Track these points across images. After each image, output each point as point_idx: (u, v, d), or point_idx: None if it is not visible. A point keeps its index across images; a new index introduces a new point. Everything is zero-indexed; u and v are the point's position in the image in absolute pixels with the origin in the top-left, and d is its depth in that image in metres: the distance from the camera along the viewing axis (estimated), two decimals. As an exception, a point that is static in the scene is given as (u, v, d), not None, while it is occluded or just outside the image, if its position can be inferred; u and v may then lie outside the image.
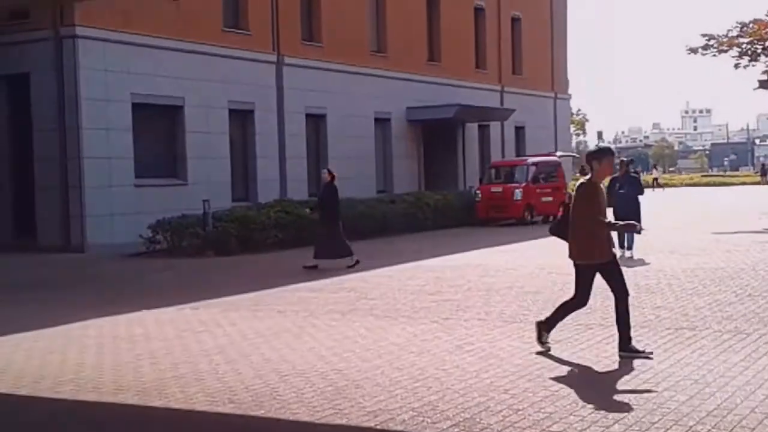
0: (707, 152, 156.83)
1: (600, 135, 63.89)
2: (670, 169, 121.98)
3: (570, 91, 43.97)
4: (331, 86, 27.68)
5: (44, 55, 20.68)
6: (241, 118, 24.92)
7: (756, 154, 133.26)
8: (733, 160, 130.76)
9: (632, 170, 18.76)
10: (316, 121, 27.53)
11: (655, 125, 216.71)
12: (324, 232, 16.34)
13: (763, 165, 72.50)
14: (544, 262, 16.03)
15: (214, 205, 21.15)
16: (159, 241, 19.67)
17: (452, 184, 32.67)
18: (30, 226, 20.91)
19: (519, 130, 38.67)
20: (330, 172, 16.75)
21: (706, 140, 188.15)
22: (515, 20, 38.89)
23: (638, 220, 16.91)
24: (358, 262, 16.13)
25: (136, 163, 21.53)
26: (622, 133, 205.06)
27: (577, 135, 65.61)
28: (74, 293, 14.18)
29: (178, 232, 19.64)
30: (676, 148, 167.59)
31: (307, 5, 27.46)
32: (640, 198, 16.99)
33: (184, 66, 22.87)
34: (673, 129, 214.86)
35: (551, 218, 28.05)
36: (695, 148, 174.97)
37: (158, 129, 22.70)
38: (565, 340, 8.64)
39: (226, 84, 24.08)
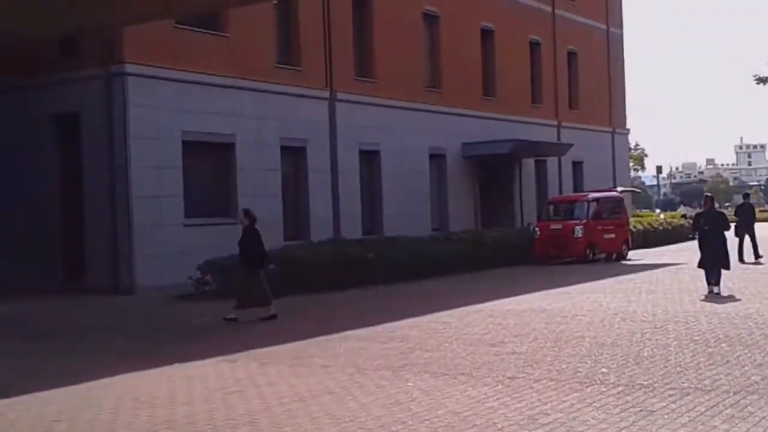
0: (762, 187, 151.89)
1: (659, 170, 61.01)
2: (726, 204, 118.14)
3: (627, 126, 41.98)
4: (384, 122, 26.37)
5: (94, 94, 19.72)
6: (294, 155, 23.68)
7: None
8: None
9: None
10: (369, 158, 26.19)
11: (709, 161, 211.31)
12: (245, 279, 14.33)
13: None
14: (615, 306, 14.31)
15: (265, 243, 19.92)
16: (208, 283, 18.36)
17: (509, 222, 31.04)
18: (79, 266, 19.83)
19: (576, 166, 36.84)
20: (248, 213, 14.65)
21: (761, 175, 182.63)
22: (571, 54, 37.25)
23: (726, 259, 15.27)
24: (274, 316, 14.07)
25: (186, 201, 20.36)
26: (676, 168, 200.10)
27: (635, 170, 63.04)
28: (110, 342, 12.84)
29: (227, 274, 18.28)
30: (731, 183, 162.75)
31: (360, 41, 26.26)
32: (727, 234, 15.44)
33: (235, 103, 21.78)
34: (728, 164, 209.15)
35: (614, 256, 26.30)
36: (750, 183, 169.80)
37: (209, 167, 21.57)
38: (660, 411, 6.96)
39: (278, 121, 22.92)
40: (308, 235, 23.13)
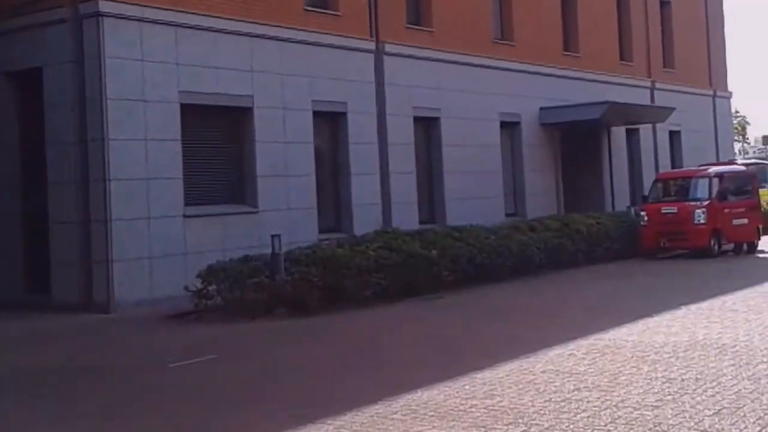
0: None
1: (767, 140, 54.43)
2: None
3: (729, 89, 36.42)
4: (445, 82, 21.54)
5: (60, 43, 15.22)
6: (330, 123, 18.93)
7: None
8: None
9: None
10: (426, 126, 21.34)
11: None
12: None
13: None
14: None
15: (295, 238, 15.88)
16: (212, 295, 13.77)
17: (598, 204, 26.01)
18: (45, 275, 15.31)
19: (673, 135, 31.53)
20: None
21: None
22: (664, 4, 31.99)
23: None
24: None
25: (187, 185, 15.78)
26: (746, 144, 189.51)
27: (737, 141, 56.69)
28: (35, 410, 8.21)
29: (238, 282, 13.69)
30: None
31: (413, -21, 21.44)
32: None
33: (252, 55, 17.15)
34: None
35: (744, 248, 21.24)
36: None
37: (218, 138, 16.92)
38: None
39: (309, 79, 18.24)
40: (350, 226, 18.47)
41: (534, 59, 24.58)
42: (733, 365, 8.36)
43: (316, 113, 18.38)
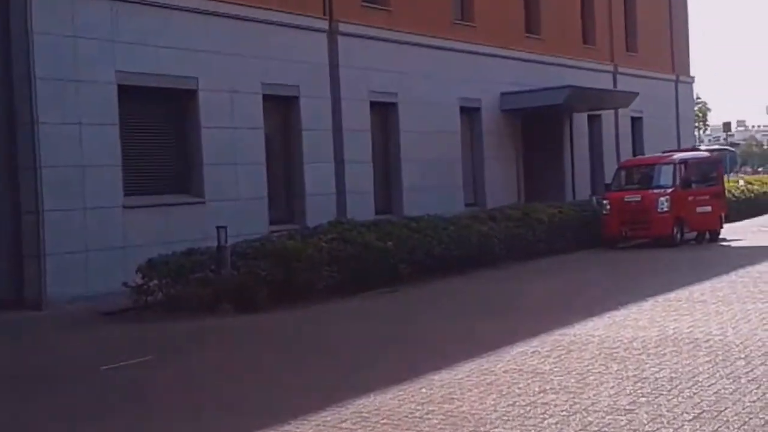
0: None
1: (728, 127, 54.18)
2: (759, 168, 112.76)
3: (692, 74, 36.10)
4: (403, 65, 20.75)
5: (-14, 18, 14.12)
6: (281, 108, 18.01)
7: None
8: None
9: None
10: (384, 111, 20.51)
11: (740, 122, 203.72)
12: None
13: None
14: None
15: (245, 230, 14.94)
16: (153, 291, 12.90)
17: (560, 193, 25.49)
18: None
19: (635, 122, 31.11)
20: None
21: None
22: (626, -15, 31.54)
23: None
24: None
25: (126, 173, 14.81)
26: (704, 131, 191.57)
27: (698, 128, 56.53)
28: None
29: (180, 277, 12.83)
30: (765, 146, 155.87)
31: (369, -45, 20.57)
32: None
33: (198, 33, 16.21)
34: (760, 126, 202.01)
35: (706, 236, 20.88)
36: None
37: (160, 123, 15.94)
38: None
39: (258, 60, 17.32)
40: (302, 217, 17.67)
41: (495, 42, 23.88)
42: (709, 362, 7.83)
43: (266, 97, 17.49)
